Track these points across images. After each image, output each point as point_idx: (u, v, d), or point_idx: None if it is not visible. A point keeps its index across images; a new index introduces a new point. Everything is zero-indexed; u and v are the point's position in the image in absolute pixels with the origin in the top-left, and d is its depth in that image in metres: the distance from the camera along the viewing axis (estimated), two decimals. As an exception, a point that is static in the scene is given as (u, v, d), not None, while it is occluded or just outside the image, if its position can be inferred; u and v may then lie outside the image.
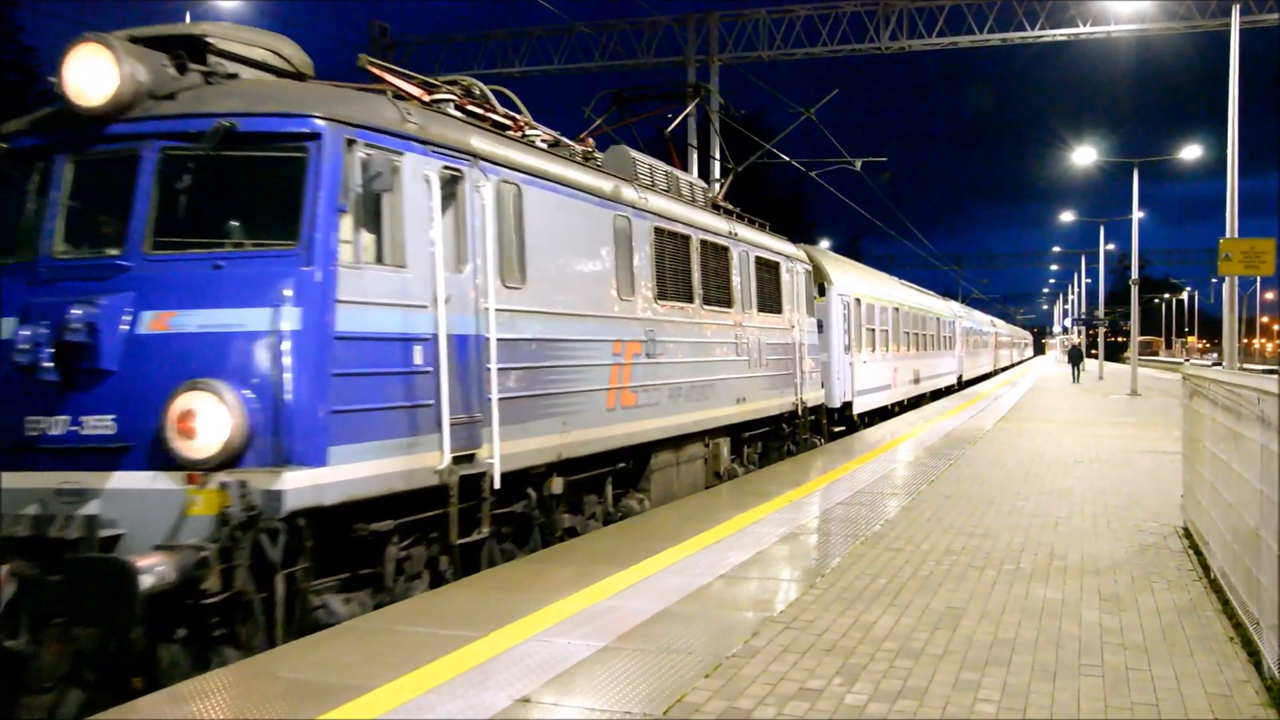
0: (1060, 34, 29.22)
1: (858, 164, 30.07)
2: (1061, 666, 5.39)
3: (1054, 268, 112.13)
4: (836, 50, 30.43)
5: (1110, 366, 60.50)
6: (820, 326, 19.07)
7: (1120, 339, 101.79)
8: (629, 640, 5.84)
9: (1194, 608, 6.58)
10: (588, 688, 5.08)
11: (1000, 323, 79.05)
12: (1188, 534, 8.84)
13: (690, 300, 12.49)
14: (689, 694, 4.94)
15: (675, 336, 11.86)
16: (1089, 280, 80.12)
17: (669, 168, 13.33)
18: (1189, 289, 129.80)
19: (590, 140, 11.68)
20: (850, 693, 4.99)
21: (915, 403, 29.71)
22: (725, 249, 13.84)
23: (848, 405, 21.03)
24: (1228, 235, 18.69)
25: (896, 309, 27.15)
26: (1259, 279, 77.83)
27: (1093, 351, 71.34)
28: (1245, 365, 52.75)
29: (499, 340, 8.01)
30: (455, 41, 32.94)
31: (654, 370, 11.17)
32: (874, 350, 23.95)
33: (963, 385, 41.83)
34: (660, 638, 5.90)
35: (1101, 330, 62.13)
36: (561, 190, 9.47)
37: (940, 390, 35.04)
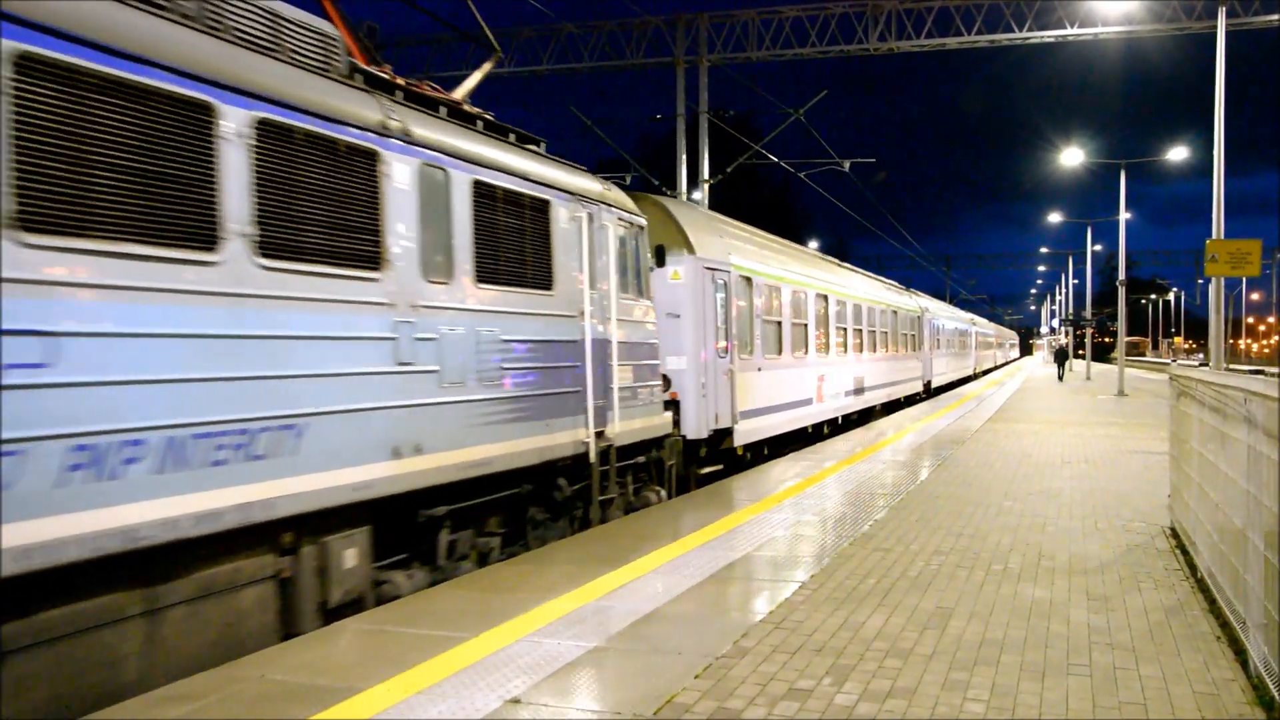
0: (1048, 35, 29.33)
1: (846, 165, 30.14)
2: (1050, 666, 5.41)
3: (1041, 268, 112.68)
4: (825, 51, 30.49)
5: (1097, 367, 60.76)
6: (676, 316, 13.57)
7: (1107, 339, 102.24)
8: (619, 641, 5.85)
9: (1181, 607, 6.62)
10: (578, 688, 5.08)
11: (982, 320, 74.19)
12: (1175, 534, 8.89)
13: (208, 243, 5.75)
14: (679, 694, 4.95)
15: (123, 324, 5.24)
16: (1076, 281, 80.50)
17: None
18: (1175, 290, 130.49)
19: None
20: (840, 693, 5.00)
21: (864, 417, 24.49)
22: (363, 158, 7.04)
23: (723, 434, 14.43)
24: (1214, 236, 18.79)
25: (824, 296, 20.74)
26: (1245, 280, 78.31)
27: (1080, 352, 71.59)
28: (1231, 366, 53.06)
29: None
30: (444, 42, 32.88)
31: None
32: (779, 352, 17.40)
33: (931, 393, 36.22)
34: (650, 638, 5.91)
35: (1089, 331, 62.36)
36: None
37: (898, 401, 29.25)
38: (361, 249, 6.96)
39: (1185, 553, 8.08)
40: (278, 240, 6.18)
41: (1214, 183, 19.04)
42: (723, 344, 14.39)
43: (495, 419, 8.40)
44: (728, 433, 14.52)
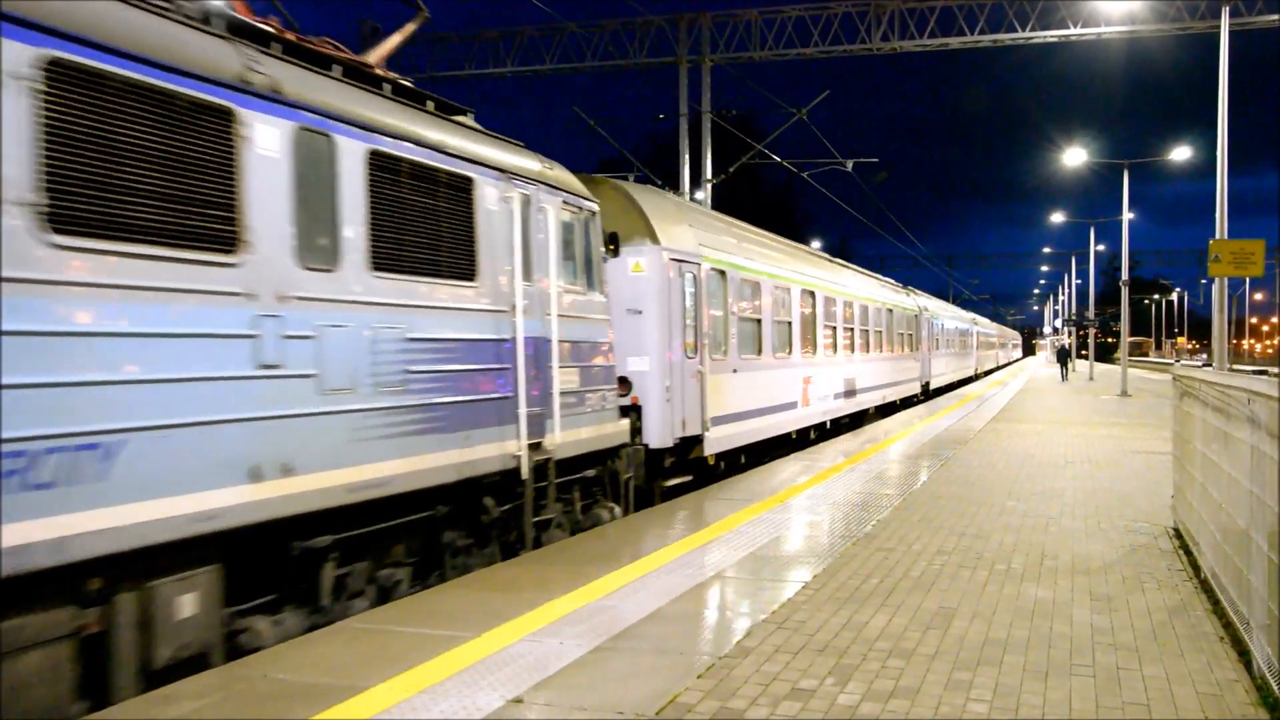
0: (1051, 35, 29.31)
1: (849, 164, 30.10)
2: (1053, 666, 5.40)
3: (1045, 268, 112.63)
4: (828, 51, 30.47)
5: (1100, 367, 60.73)
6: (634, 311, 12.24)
7: (1110, 340, 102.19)
8: (621, 640, 5.84)
9: (1184, 608, 6.61)
10: (580, 688, 5.07)
11: (983, 320, 72.85)
12: (1178, 534, 8.88)
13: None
14: (681, 694, 4.94)
15: None
16: (1079, 281, 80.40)
17: None
18: (1179, 290, 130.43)
19: None
20: (843, 693, 4.99)
21: (855, 422, 23.01)
22: (213, 115, 5.84)
23: (693, 442, 13.10)
24: (1217, 236, 18.77)
25: (810, 293, 19.21)
26: (1248, 280, 78.19)
27: (1083, 352, 71.54)
28: (1235, 366, 53.03)
29: None
30: (447, 41, 32.89)
31: None
32: (758, 352, 16.01)
33: (930, 394, 34.78)
34: (652, 638, 5.91)
35: (1092, 331, 62.34)
36: None
37: (893, 404, 27.76)
38: (207, 226, 5.68)
39: (1188, 553, 8.07)
40: (76, 212, 4.95)
41: (1217, 182, 19.02)
42: (691, 343, 13.00)
43: (396, 431, 7.07)
44: (697, 441, 13.12)
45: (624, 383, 11.67)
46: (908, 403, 30.08)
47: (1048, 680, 5.18)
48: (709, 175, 30.11)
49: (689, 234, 13.48)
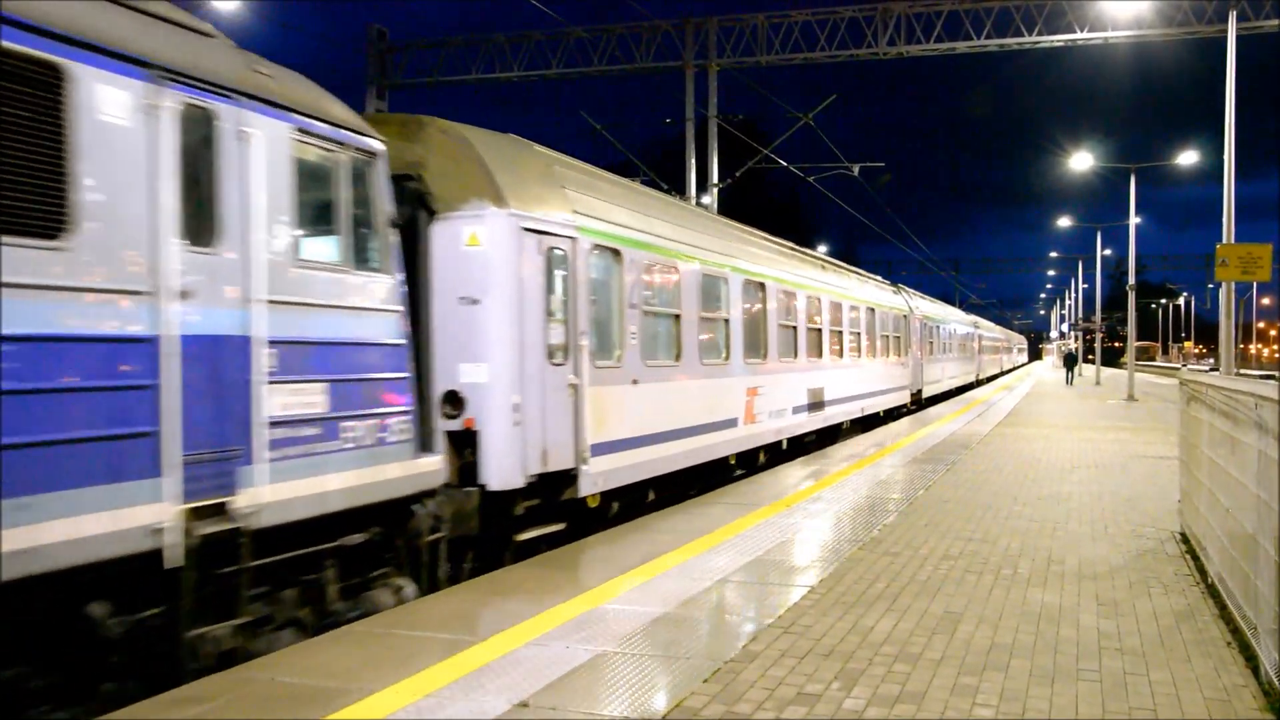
0: (1057, 40, 29.27)
1: (855, 169, 30.12)
2: (1059, 671, 5.40)
3: (1051, 273, 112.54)
4: (835, 55, 30.45)
5: (1107, 371, 60.63)
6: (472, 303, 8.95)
7: (1117, 344, 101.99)
8: (627, 644, 5.85)
9: (1191, 613, 6.60)
10: (586, 692, 5.08)
11: (986, 323, 69.80)
12: (1185, 539, 8.86)
13: None
14: (688, 698, 4.95)
15: None
16: (1086, 285, 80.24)
17: None
18: (1186, 294, 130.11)
19: None
20: (849, 697, 4.99)
21: (825, 438, 19.78)
22: None
23: (563, 479, 9.72)
24: (1225, 241, 18.74)
25: (759, 284, 15.61)
26: (1255, 284, 78.02)
27: (1090, 357, 71.37)
28: (1242, 370, 52.87)
29: None
30: (454, 45, 32.96)
31: None
32: (676, 356, 12.46)
33: (923, 404, 31.36)
34: (658, 642, 5.91)
35: (1098, 335, 62.24)
36: None
37: (876, 416, 24.44)
38: None
39: (1195, 558, 8.06)
40: None
41: (1225, 187, 19.00)
42: (560, 344, 9.58)
43: None
44: (569, 477, 9.74)
45: (453, 400, 8.77)
46: (895, 414, 27.00)
47: (1054, 685, 5.18)
48: (715, 180, 30.13)
49: (559, 198, 9.96)
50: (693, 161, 30.21)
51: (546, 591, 7.09)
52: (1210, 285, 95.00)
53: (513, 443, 8.91)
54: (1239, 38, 19.55)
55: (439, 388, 8.73)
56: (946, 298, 75.30)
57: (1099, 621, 6.37)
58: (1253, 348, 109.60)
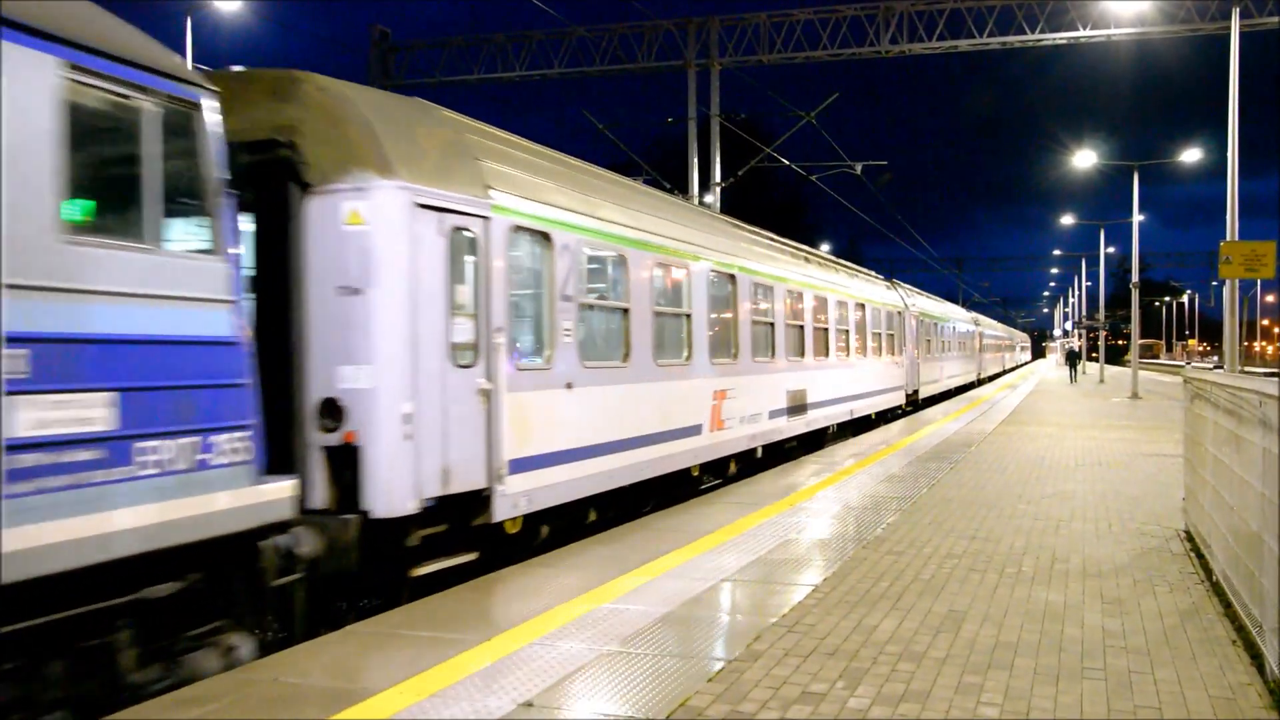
0: (1060, 37, 29.26)
1: (858, 167, 30.10)
2: (1064, 670, 5.39)
3: (1054, 271, 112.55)
4: (837, 54, 30.46)
5: (1110, 370, 60.55)
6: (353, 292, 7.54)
7: (1121, 342, 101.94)
8: (632, 644, 5.84)
9: (1196, 611, 6.59)
10: (591, 692, 5.08)
11: (987, 320, 67.56)
12: (1190, 537, 8.85)
13: None
14: (692, 698, 4.94)
15: None
16: (1089, 283, 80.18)
17: None
18: (1189, 292, 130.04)
19: None
20: (853, 696, 4.99)
21: (809, 444, 18.13)
22: None
23: (476, 500, 8.31)
24: (1228, 238, 18.71)
25: (729, 275, 14.13)
26: (1259, 282, 77.98)
27: (1094, 355, 71.26)
28: (1246, 368, 52.78)
29: None
30: (455, 46, 32.99)
31: None
32: (625, 356, 10.93)
33: (919, 405, 30.08)
34: (663, 641, 5.91)
35: (1102, 333, 62.18)
36: None
37: (867, 419, 22.98)
38: None
39: (1200, 556, 8.04)
40: None
41: (1228, 184, 18.97)
42: (467, 343, 8.18)
43: None
44: (481, 498, 8.27)
45: (331, 410, 7.38)
46: (887, 417, 25.64)
47: (1059, 684, 5.17)
48: (718, 179, 30.13)
49: (470, 171, 8.53)
50: (695, 161, 30.21)
51: (552, 591, 7.08)
52: (1214, 283, 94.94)
53: (402, 460, 7.43)
54: (1242, 35, 19.51)
55: (314, 395, 7.34)
56: (950, 296, 75.24)
57: (1104, 620, 6.36)
58: (1257, 345, 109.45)
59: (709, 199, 29.49)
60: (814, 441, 18.60)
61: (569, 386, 9.69)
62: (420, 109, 8.92)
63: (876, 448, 17.11)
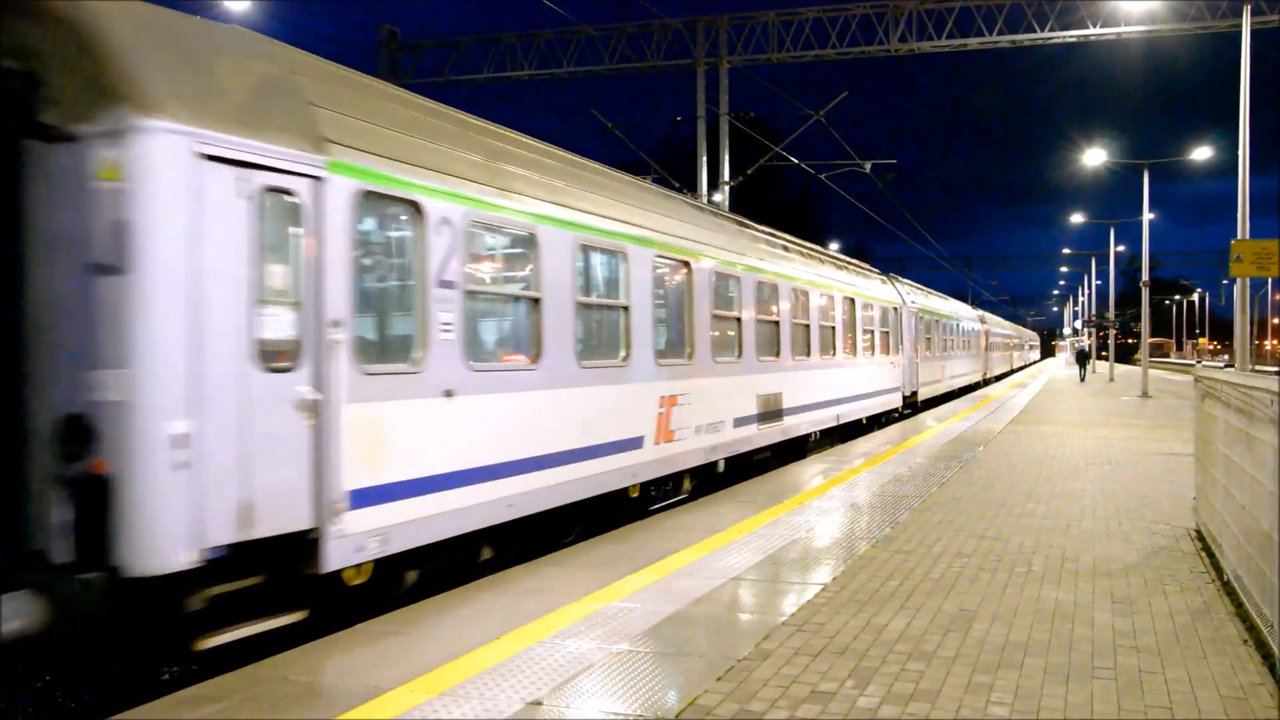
0: (1070, 35, 29.15)
1: (867, 166, 30.03)
2: (1074, 669, 5.38)
3: (1064, 269, 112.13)
4: (846, 52, 30.39)
5: (1120, 368, 60.39)
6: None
7: (1131, 340, 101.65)
8: (641, 643, 5.85)
9: (1207, 610, 6.56)
10: (600, 690, 5.08)
11: (994, 317, 64.95)
12: (1200, 536, 8.82)
13: None
14: (701, 697, 4.94)
15: None
16: (1099, 282, 79.96)
17: None
18: (1200, 290, 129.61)
19: None
20: (863, 695, 4.98)
21: (788, 452, 16.54)
22: None
23: (302, 544, 6.37)
24: (1239, 236, 18.65)
25: (683, 263, 12.31)
26: (1270, 280, 77.62)
27: (1103, 353, 71.05)
28: (1257, 367, 52.63)
29: None
30: (464, 45, 33.02)
31: None
32: (536, 356, 9.01)
33: (918, 408, 28.36)
34: (672, 640, 5.91)
35: (1111, 332, 62.00)
36: None
37: (858, 423, 21.31)
38: None
39: (1211, 555, 8.02)
40: None
41: (1239, 182, 18.91)
42: (287, 340, 6.36)
43: None
44: (308, 542, 6.42)
45: (75, 431, 5.63)
46: (880, 421, 23.86)
47: (1069, 683, 5.16)
48: (727, 177, 30.10)
49: (298, 118, 6.62)
50: (704, 159, 30.17)
51: (561, 590, 7.07)
52: (1225, 281, 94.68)
53: (173, 496, 5.59)
54: (1253, 32, 19.43)
55: (53, 411, 5.63)
56: (959, 294, 74.95)
57: (1114, 619, 6.34)
58: (1268, 344, 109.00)
59: (718, 197, 29.47)
60: (795, 451, 16.92)
61: (448, 394, 7.74)
62: (233, 35, 6.84)
63: (883, 447, 17.08)
